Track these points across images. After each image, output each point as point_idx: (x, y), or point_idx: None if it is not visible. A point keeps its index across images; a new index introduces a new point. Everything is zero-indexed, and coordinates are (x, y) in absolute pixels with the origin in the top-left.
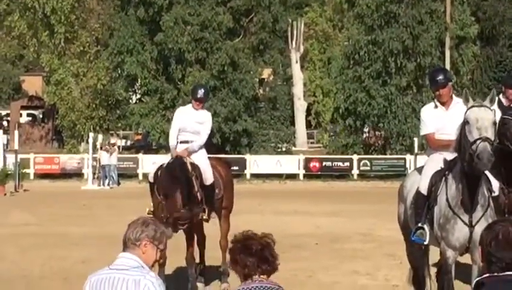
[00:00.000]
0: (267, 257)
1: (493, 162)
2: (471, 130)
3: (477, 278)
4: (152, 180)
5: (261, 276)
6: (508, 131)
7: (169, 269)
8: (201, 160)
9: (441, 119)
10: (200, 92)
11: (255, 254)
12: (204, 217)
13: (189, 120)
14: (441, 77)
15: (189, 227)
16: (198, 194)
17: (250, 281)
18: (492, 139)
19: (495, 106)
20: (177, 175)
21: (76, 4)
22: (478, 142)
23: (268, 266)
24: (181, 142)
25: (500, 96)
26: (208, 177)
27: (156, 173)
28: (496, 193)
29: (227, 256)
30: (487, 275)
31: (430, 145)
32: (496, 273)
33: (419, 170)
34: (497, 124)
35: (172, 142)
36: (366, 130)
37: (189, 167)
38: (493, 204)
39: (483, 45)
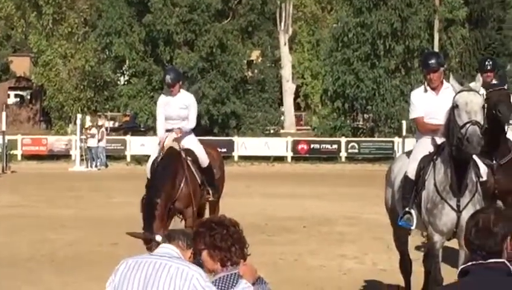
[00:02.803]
0: (245, 244)
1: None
2: (460, 114)
3: (462, 266)
4: (150, 176)
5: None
6: (490, 101)
7: None
8: (194, 144)
9: (430, 104)
10: (168, 77)
11: (239, 240)
12: (210, 198)
13: (172, 108)
14: (433, 61)
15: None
16: (197, 177)
17: (231, 267)
18: (482, 123)
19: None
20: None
21: None
22: (468, 125)
23: (245, 251)
24: (167, 130)
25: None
26: (204, 159)
27: (151, 168)
28: (484, 178)
29: (205, 238)
30: (472, 262)
31: (419, 128)
32: (480, 261)
33: (407, 154)
34: (485, 99)
35: (160, 133)
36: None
37: (183, 154)
38: (481, 189)
39: (472, 27)
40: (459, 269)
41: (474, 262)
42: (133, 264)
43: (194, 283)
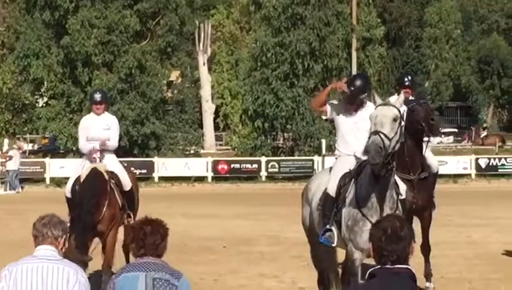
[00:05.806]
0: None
1: (399, 157)
2: (371, 128)
3: (370, 269)
4: (70, 195)
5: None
6: (417, 115)
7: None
8: (116, 166)
9: (350, 120)
10: (97, 96)
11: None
12: (131, 221)
13: (95, 128)
14: (359, 83)
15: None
16: (119, 200)
17: (145, 257)
18: (390, 135)
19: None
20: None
21: None
22: (371, 136)
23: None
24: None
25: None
26: (126, 183)
27: (73, 188)
28: (403, 196)
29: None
30: (379, 266)
31: (312, 106)
32: (387, 266)
33: (324, 172)
34: (405, 116)
35: (85, 150)
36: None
37: (106, 176)
38: (401, 206)
39: (389, 46)
40: (368, 272)
41: (381, 266)
42: (20, 272)
43: (79, 279)
